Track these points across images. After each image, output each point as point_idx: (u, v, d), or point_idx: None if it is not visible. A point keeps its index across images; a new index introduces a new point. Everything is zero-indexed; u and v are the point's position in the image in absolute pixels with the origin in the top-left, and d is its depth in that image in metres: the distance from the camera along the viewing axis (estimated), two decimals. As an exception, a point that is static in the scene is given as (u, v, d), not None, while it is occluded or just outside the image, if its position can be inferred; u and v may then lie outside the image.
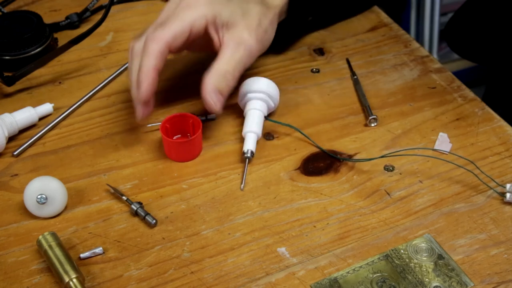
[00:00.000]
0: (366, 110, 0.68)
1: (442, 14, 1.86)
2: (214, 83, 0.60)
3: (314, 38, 0.79)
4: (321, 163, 0.63)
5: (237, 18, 0.62)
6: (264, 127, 0.65)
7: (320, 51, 0.77)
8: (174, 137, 0.64)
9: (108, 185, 0.60)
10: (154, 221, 0.57)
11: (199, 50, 0.68)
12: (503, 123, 0.67)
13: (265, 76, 0.66)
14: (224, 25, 0.62)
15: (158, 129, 0.66)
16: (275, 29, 0.66)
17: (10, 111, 0.66)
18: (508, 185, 0.58)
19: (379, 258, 0.54)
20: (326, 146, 0.64)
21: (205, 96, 0.60)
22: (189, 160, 0.63)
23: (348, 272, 0.53)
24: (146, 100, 0.60)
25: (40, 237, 0.54)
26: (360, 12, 0.82)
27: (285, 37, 0.75)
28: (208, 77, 0.60)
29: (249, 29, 0.62)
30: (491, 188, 0.59)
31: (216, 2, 0.62)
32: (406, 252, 0.54)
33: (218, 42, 0.63)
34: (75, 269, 0.51)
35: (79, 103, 0.69)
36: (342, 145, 0.65)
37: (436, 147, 0.64)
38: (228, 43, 0.61)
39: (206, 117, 0.67)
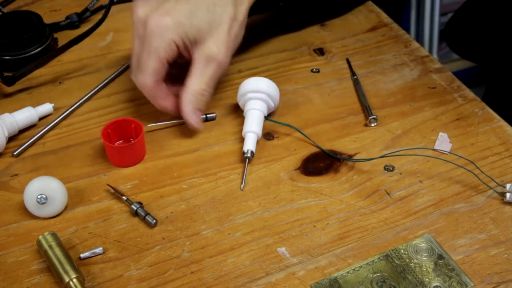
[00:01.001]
0: (366, 110, 0.68)
1: (442, 14, 1.86)
2: (193, 104, 0.63)
3: (314, 38, 0.79)
4: (321, 163, 0.63)
5: (204, 33, 0.62)
6: (264, 127, 0.65)
7: (320, 51, 0.77)
8: (117, 143, 0.64)
9: (108, 185, 0.60)
10: (154, 221, 0.57)
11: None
12: (503, 123, 0.67)
13: (265, 76, 0.66)
14: (193, 43, 0.62)
15: (159, 129, 0.66)
16: (244, 27, 0.66)
17: (10, 111, 0.66)
18: (508, 185, 0.58)
19: (379, 258, 0.54)
20: (326, 146, 0.64)
21: (186, 118, 0.64)
22: (133, 164, 0.62)
23: (348, 272, 0.53)
24: (167, 111, 0.65)
25: (40, 237, 0.54)
26: (354, 7, 0.82)
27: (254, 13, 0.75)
28: (186, 98, 0.63)
29: (218, 42, 0.63)
30: (491, 188, 0.59)
31: (180, 20, 0.61)
32: (406, 252, 0.54)
33: (190, 58, 0.64)
34: (75, 269, 0.51)
35: (79, 103, 0.69)
36: (342, 145, 0.65)
37: (436, 147, 0.64)
38: (198, 60, 0.63)
39: (206, 117, 0.67)
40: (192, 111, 0.64)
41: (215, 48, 0.63)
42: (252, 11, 0.69)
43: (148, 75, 0.62)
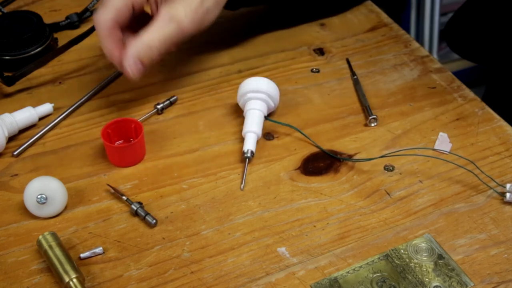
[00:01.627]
0: (366, 110, 0.68)
1: (442, 14, 1.86)
2: (137, 52, 0.61)
3: (314, 38, 0.79)
4: (321, 163, 0.63)
5: None
6: (264, 127, 0.65)
7: (320, 51, 0.77)
8: (116, 143, 0.64)
9: (108, 185, 0.60)
10: (154, 221, 0.57)
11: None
12: (503, 123, 0.67)
13: (265, 76, 0.66)
14: (164, 0, 0.61)
15: (159, 128, 0.66)
16: (221, 7, 0.65)
17: (10, 111, 0.66)
18: (508, 185, 0.58)
19: (379, 258, 0.54)
20: (326, 146, 0.64)
21: (124, 64, 0.61)
22: (133, 164, 0.62)
23: (348, 272, 0.53)
24: (112, 57, 0.62)
25: (40, 237, 0.54)
26: (352, 6, 0.82)
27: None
28: (133, 45, 0.61)
29: (188, 8, 0.61)
30: (491, 188, 0.59)
31: None
32: (406, 252, 0.54)
33: (155, 13, 0.63)
34: (75, 269, 0.51)
35: (79, 103, 0.69)
36: (342, 145, 0.65)
37: (436, 147, 0.64)
38: (161, 17, 0.61)
39: (170, 101, 0.68)
40: (133, 59, 0.61)
41: (182, 12, 0.61)
42: (244, 2, 0.67)
43: (108, 12, 0.61)
